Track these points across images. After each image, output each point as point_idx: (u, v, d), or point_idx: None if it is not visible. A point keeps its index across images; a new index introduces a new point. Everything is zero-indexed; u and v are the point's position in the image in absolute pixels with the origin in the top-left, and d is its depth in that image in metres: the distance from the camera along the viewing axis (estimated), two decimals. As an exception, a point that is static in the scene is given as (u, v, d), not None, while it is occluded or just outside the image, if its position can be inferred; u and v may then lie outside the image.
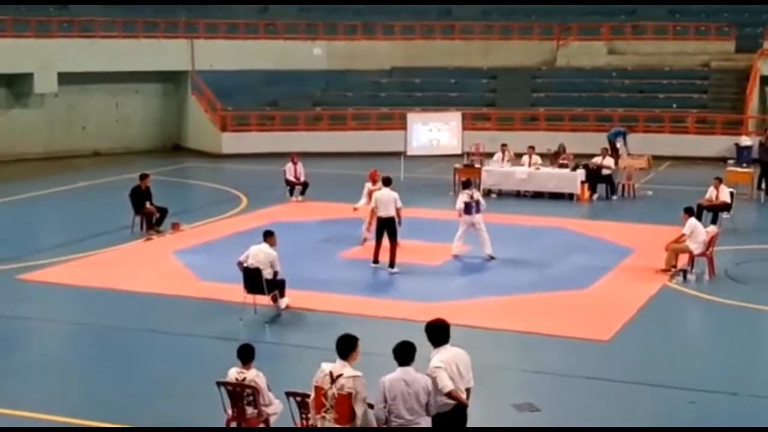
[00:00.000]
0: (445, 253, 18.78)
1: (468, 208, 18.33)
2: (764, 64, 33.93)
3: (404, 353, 8.34)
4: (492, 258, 18.34)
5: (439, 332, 8.64)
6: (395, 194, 17.51)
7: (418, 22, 39.20)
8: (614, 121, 32.34)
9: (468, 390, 8.72)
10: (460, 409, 8.63)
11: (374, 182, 19.63)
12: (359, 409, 8.27)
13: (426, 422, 8.33)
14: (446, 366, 8.48)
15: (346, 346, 8.42)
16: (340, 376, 8.30)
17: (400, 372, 8.33)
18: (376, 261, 17.56)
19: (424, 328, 8.73)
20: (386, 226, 17.39)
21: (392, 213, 17.34)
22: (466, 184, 19.00)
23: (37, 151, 33.56)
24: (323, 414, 8.40)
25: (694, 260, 17.29)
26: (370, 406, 8.47)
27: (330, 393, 8.32)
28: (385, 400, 8.27)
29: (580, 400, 11.72)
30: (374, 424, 8.35)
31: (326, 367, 8.43)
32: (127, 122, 36.04)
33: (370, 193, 19.35)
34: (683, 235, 17.39)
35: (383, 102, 36.16)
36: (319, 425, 8.49)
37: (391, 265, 17.40)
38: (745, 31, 36.97)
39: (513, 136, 30.41)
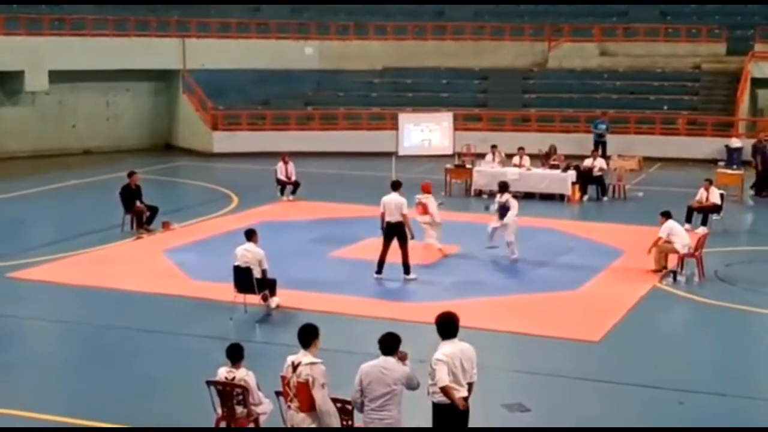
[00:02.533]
0: (436, 253, 18.80)
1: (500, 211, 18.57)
2: (755, 66, 34.03)
3: (387, 344, 8.62)
4: (515, 260, 18.39)
5: (445, 325, 8.76)
6: (402, 200, 16.90)
7: (410, 23, 39.19)
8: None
9: (470, 384, 8.78)
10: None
11: (426, 193, 19.29)
12: (317, 395, 8.53)
13: (397, 410, 8.53)
14: (448, 359, 8.58)
15: (307, 336, 8.75)
16: (299, 364, 8.62)
17: (380, 360, 8.58)
18: (379, 270, 16.96)
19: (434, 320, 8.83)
20: (394, 232, 16.79)
21: (399, 218, 16.72)
22: (502, 187, 19.10)
23: (27, 149, 33.45)
24: (289, 404, 8.76)
25: (684, 261, 17.34)
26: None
27: (292, 382, 8.65)
28: (361, 383, 8.51)
29: (569, 401, 11.75)
30: (334, 410, 8.63)
31: (290, 358, 8.78)
32: (118, 121, 35.94)
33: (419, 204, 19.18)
34: (659, 238, 17.42)
35: (375, 102, 36.14)
36: (287, 415, 8.83)
37: (406, 271, 16.93)
38: (736, 33, 37.07)
39: (504, 137, 30.44)
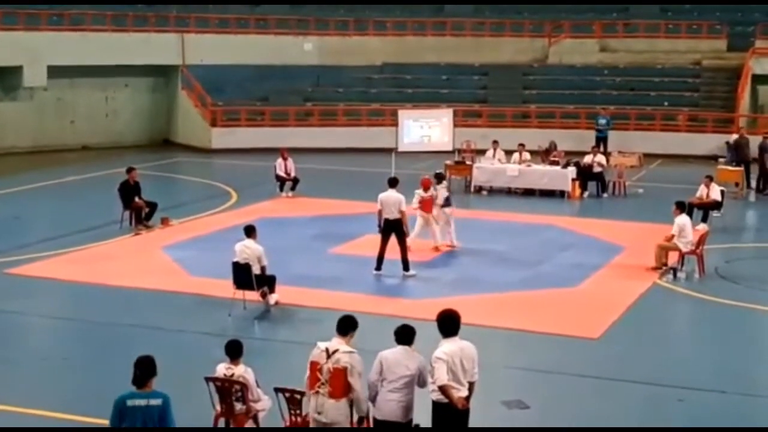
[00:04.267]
0: (435, 249, 18.75)
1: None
2: (755, 62, 33.98)
3: (404, 334, 8.76)
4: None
5: (447, 323, 8.75)
6: (401, 197, 16.86)
7: (409, 18, 39.13)
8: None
9: (471, 384, 8.76)
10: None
11: (426, 189, 19.10)
12: (356, 383, 8.62)
13: (413, 394, 8.66)
14: (448, 358, 8.56)
15: (348, 325, 8.87)
16: (336, 351, 8.66)
17: (399, 348, 8.72)
18: (379, 267, 16.94)
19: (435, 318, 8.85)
20: (392, 229, 16.77)
21: (397, 215, 16.72)
22: (439, 178, 19.85)
23: (25, 144, 33.36)
24: (317, 389, 8.71)
25: (684, 258, 17.29)
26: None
27: (325, 368, 8.64)
28: (381, 366, 8.64)
29: (569, 398, 11.71)
30: (366, 398, 8.73)
31: (322, 344, 8.79)
32: (116, 116, 35.89)
33: (421, 201, 19.01)
34: (673, 235, 17.34)
35: (374, 98, 36.11)
36: (312, 402, 8.79)
37: (406, 267, 16.89)
38: (737, 29, 37.02)
39: (504, 133, 30.41)
